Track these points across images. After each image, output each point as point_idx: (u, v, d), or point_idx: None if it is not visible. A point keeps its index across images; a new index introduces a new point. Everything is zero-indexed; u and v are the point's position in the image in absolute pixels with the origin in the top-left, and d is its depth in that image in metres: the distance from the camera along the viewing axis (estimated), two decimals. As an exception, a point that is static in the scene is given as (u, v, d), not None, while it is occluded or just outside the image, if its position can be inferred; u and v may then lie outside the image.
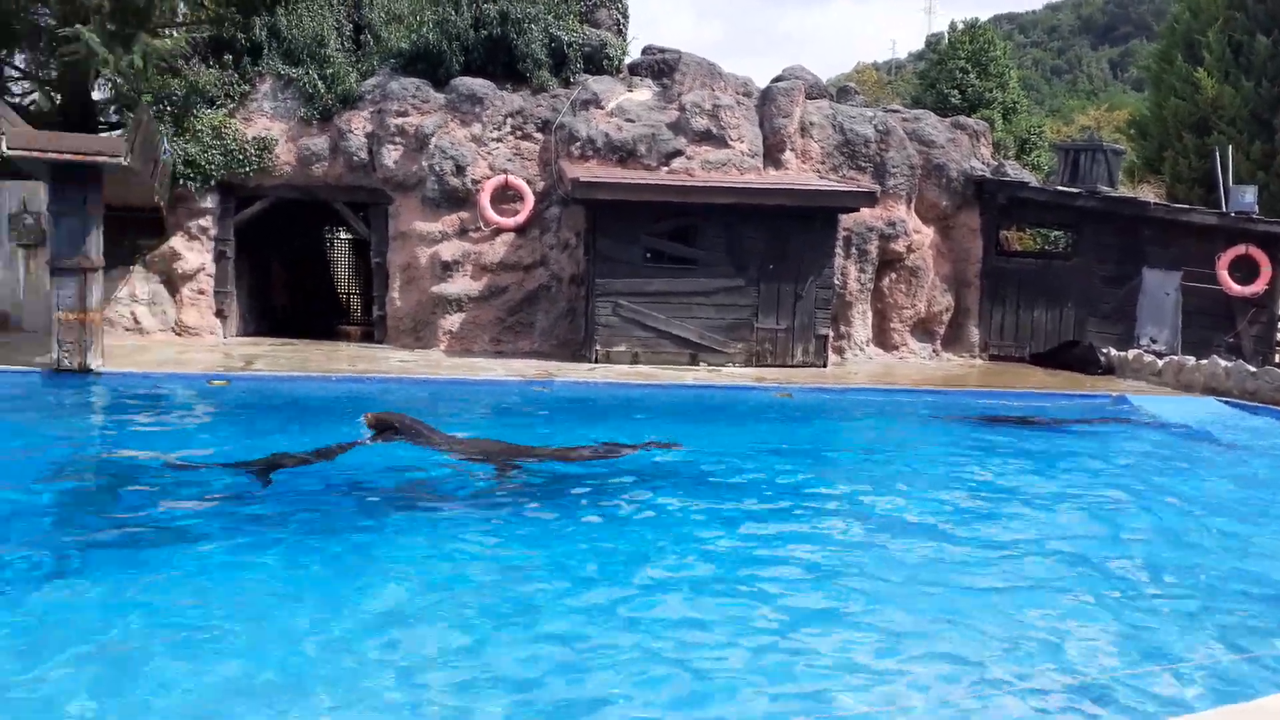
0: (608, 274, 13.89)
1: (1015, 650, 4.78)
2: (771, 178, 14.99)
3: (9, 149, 10.04)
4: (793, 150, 15.42)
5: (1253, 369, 13.60)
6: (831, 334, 14.90)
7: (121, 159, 10.29)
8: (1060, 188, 16.65)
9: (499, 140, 14.67)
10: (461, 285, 14.50)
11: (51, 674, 4.16)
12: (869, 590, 5.52)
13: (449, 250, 14.47)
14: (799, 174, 15.31)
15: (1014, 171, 16.76)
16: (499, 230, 14.50)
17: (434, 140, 14.30)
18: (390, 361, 13.35)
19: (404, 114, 14.35)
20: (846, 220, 14.99)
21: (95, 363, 11.17)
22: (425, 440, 8.55)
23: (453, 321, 14.54)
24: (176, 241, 14.20)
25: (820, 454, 10.01)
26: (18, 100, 16.51)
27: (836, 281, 14.99)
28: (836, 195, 14.49)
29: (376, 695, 4.09)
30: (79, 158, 10.27)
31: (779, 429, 10.93)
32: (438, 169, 14.28)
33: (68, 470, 7.79)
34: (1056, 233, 19.51)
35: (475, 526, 6.54)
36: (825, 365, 14.52)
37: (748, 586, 5.58)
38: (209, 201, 14.21)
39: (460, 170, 14.34)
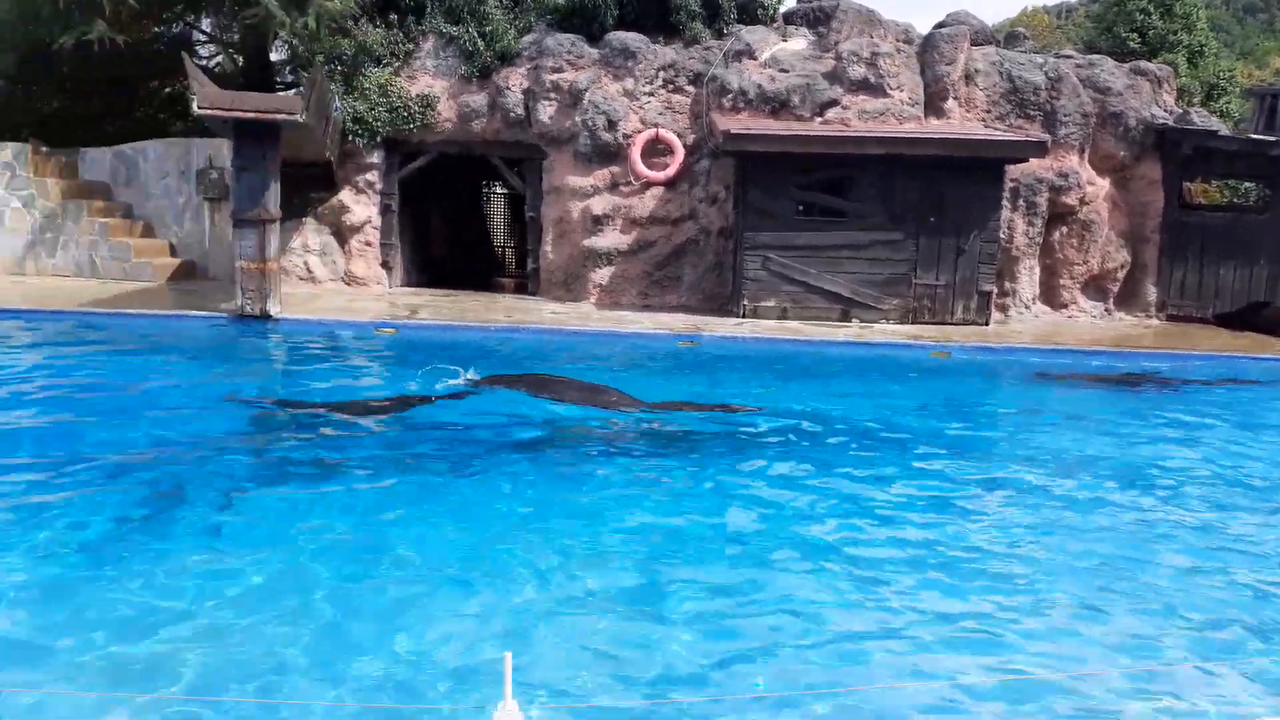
0: (757, 227, 13.71)
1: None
2: (933, 127, 14.38)
3: (199, 109, 10.66)
4: (956, 99, 14.72)
5: None
6: (995, 290, 14.26)
7: (298, 117, 10.79)
8: (1254, 136, 15.29)
9: (650, 94, 14.64)
10: (611, 239, 14.60)
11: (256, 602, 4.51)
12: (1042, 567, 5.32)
13: (600, 204, 14.58)
14: (962, 123, 14.62)
15: (1201, 119, 15.47)
16: (649, 184, 14.50)
17: (587, 95, 14.39)
18: (543, 313, 13.62)
19: (559, 70, 14.49)
20: (1014, 171, 14.25)
21: (274, 309, 11.86)
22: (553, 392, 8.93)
23: (602, 275, 14.68)
24: (345, 195, 14.86)
25: (979, 416, 9.67)
26: (204, 63, 17.65)
27: (1002, 235, 14.31)
28: (1003, 145, 13.77)
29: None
30: (260, 116, 10.80)
31: (935, 388, 10.58)
32: (590, 124, 14.37)
33: (252, 407, 8.35)
34: (1248, 185, 17.97)
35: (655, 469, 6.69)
36: (987, 323, 13.94)
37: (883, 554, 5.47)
38: (375, 157, 14.78)
39: (612, 125, 14.39)
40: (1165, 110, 15.33)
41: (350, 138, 14.36)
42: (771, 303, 13.82)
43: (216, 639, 4.03)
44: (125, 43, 13.83)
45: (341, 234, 15.00)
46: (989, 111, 14.81)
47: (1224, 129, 15.89)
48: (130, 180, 15.73)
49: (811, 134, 13.85)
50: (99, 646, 3.92)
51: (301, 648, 4.02)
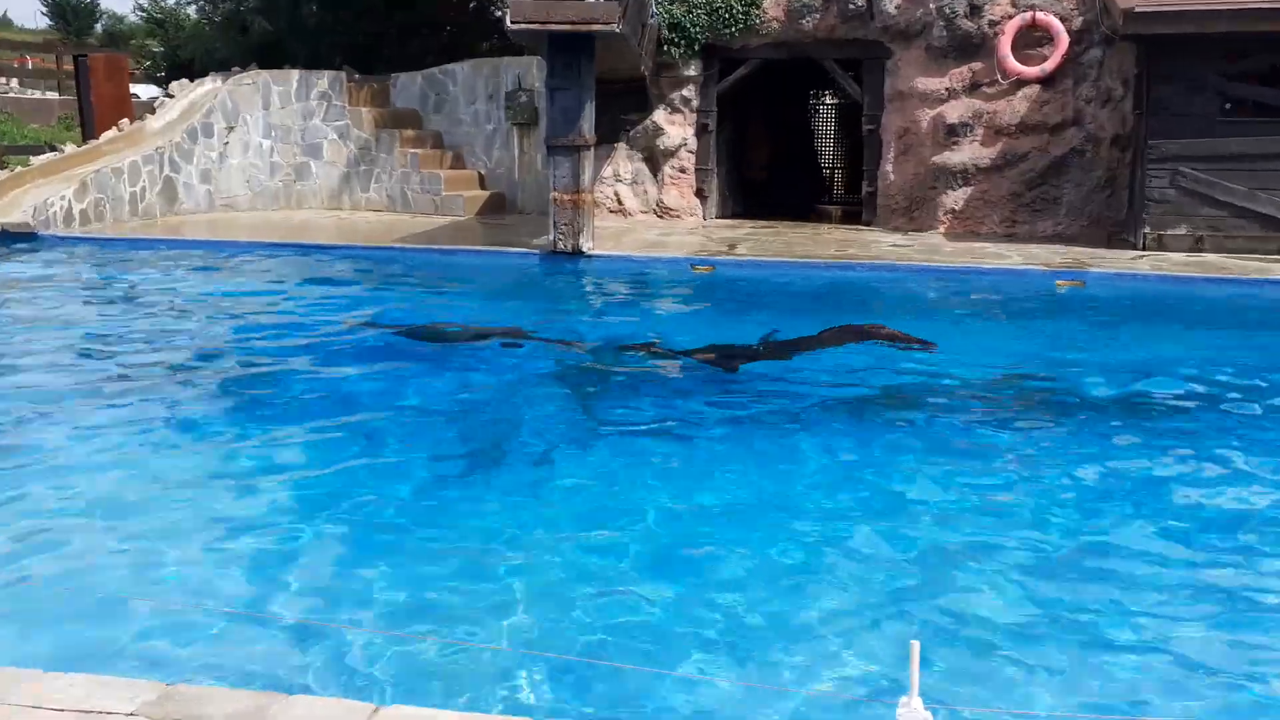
0: (1166, 132, 11.07)
1: None
2: None
3: (511, 23, 9.85)
4: None
5: None
6: None
7: (615, 26, 9.75)
8: None
9: (1027, -33, 11.91)
10: (969, 153, 12.32)
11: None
12: None
13: (955, 110, 12.32)
14: None
15: None
16: (1020, 82, 12.11)
17: (946, -26, 11.94)
18: (882, 246, 11.79)
19: (909, -55, 12.12)
20: None
21: (586, 245, 10.99)
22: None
23: (956, 198, 12.45)
24: (659, 115, 13.49)
25: None
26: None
27: None
28: None
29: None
30: (576, 27, 9.83)
31: None
32: (948, 10, 12.06)
33: (571, 356, 7.59)
34: None
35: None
36: None
37: None
38: (692, 69, 13.22)
39: (975, 10, 12.02)
40: None
41: (665, 47, 12.89)
42: (1183, 230, 11.14)
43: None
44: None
45: (654, 160, 13.71)
46: None
47: None
48: (440, 106, 15.31)
49: (1245, 7, 10.64)
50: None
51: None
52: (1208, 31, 10.54)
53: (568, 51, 10.22)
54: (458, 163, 15.12)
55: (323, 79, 14.92)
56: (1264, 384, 6.65)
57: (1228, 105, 11.00)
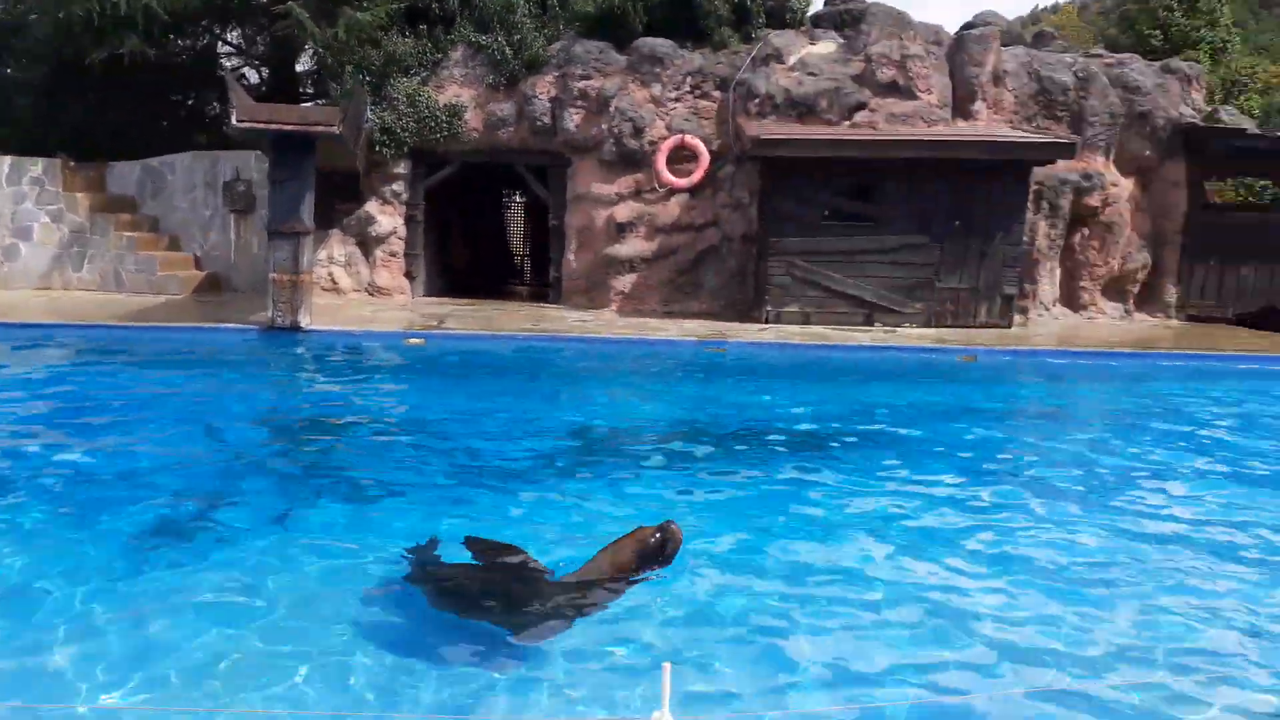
0: (781, 233, 13.73)
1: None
2: (961, 130, 14.39)
3: (237, 122, 10.72)
4: (984, 100, 14.74)
5: None
6: (1017, 293, 14.27)
7: (335, 129, 10.85)
8: (1281, 134, 15.28)
9: (677, 100, 14.67)
10: (634, 246, 14.61)
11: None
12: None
13: (624, 211, 14.59)
14: (990, 125, 14.64)
15: (1230, 117, 15.46)
16: (673, 191, 14.53)
17: (614, 102, 14.44)
18: (568, 321, 13.64)
19: (587, 77, 14.53)
20: (1038, 174, 14.25)
21: (304, 320, 11.87)
22: None
23: (625, 282, 14.70)
24: (371, 206, 14.92)
25: (1012, 419, 9.70)
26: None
27: (1025, 239, 14.32)
28: (1032, 147, 13.77)
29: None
30: (299, 128, 10.89)
31: (963, 393, 10.62)
32: (616, 130, 14.41)
33: (288, 421, 8.33)
34: (1264, 183, 17.96)
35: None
36: (1010, 326, 13.96)
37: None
38: (402, 167, 14.84)
39: (638, 132, 14.43)
40: (1193, 109, 15.32)
41: (378, 148, 14.42)
42: (795, 308, 13.84)
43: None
44: (155, 55, 13.92)
45: (366, 244, 15.06)
46: (1016, 113, 14.82)
47: (1252, 127, 15.88)
48: (157, 193, 15.79)
49: (841, 138, 13.83)
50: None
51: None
52: (812, 156, 13.39)
53: (291, 149, 11.28)
54: (174, 245, 15.63)
55: (36, 165, 15.09)
56: (852, 420, 8.73)
57: (826, 213, 13.83)
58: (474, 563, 4.70)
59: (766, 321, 13.76)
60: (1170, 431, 8.81)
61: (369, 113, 13.73)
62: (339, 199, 14.64)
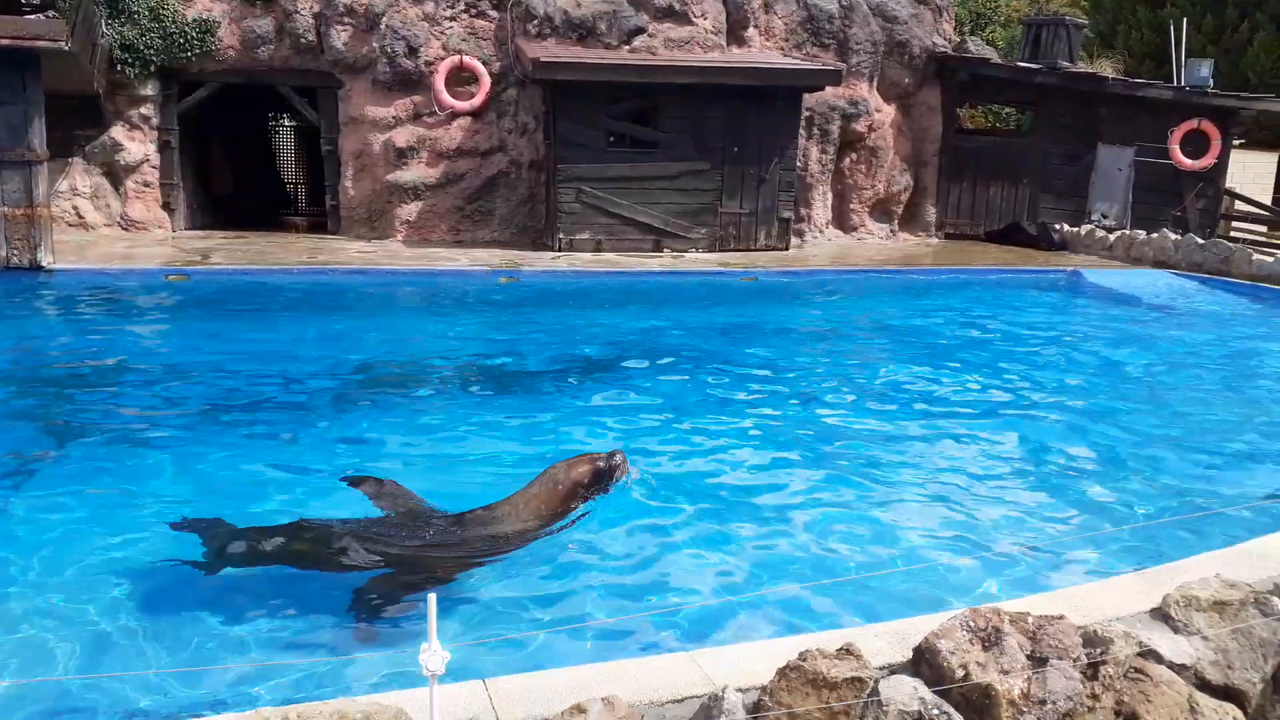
0: (569, 159, 13.62)
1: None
2: (735, 56, 14.69)
3: None
4: (756, 27, 15.08)
5: (1200, 241, 14.06)
6: (793, 217, 14.91)
7: (62, 43, 9.81)
8: (1021, 64, 16.61)
9: (452, 19, 14.09)
10: (417, 172, 14.13)
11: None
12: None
13: (403, 136, 14.03)
14: (763, 52, 15.02)
15: (976, 48, 16.63)
16: (455, 114, 14.08)
17: (385, 20, 13.69)
18: (349, 252, 13.10)
19: (353, -9, 13.66)
20: (808, 100, 14.82)
21: (46, 259, 10.86)
22: None
23: (409, 210, 14.21)
24: (117, 131, 13.54)
25: (794, 334, 10.27)
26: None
27: (798, 163, 14.92)
28: (802, 74, 14.27)
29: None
30: (18, 42, 9.80)
31: (749, 312, 11.12)
32: (389, 50, 13.72)
33: (31, 372, 7.65)
34: (1008, 110, 19.55)
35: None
36: (787, 248, 14.60)
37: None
38: (149, 89, 13.50)
39: (413, 51, 13.80)
40: (945, 39, 16.36)
41: (119, 67, 13.04)
42: (586, 235, 13.86)
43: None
44: None
45: (115, 174, 13.70)
46: (787, 40, 15.28)
47: (995, 57, 17.15)
48: None
49: (624, 62, 13.79)
50: None
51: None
52: (595, 80, 13.29)
53: (12, 67, 10.10)
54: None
55: None
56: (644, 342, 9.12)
57: (611, 138, 13.85)
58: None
59: (559, 249, 13.70)
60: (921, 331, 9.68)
61: (104, 26, 12.34)
62: (78, 124, 13.18)
